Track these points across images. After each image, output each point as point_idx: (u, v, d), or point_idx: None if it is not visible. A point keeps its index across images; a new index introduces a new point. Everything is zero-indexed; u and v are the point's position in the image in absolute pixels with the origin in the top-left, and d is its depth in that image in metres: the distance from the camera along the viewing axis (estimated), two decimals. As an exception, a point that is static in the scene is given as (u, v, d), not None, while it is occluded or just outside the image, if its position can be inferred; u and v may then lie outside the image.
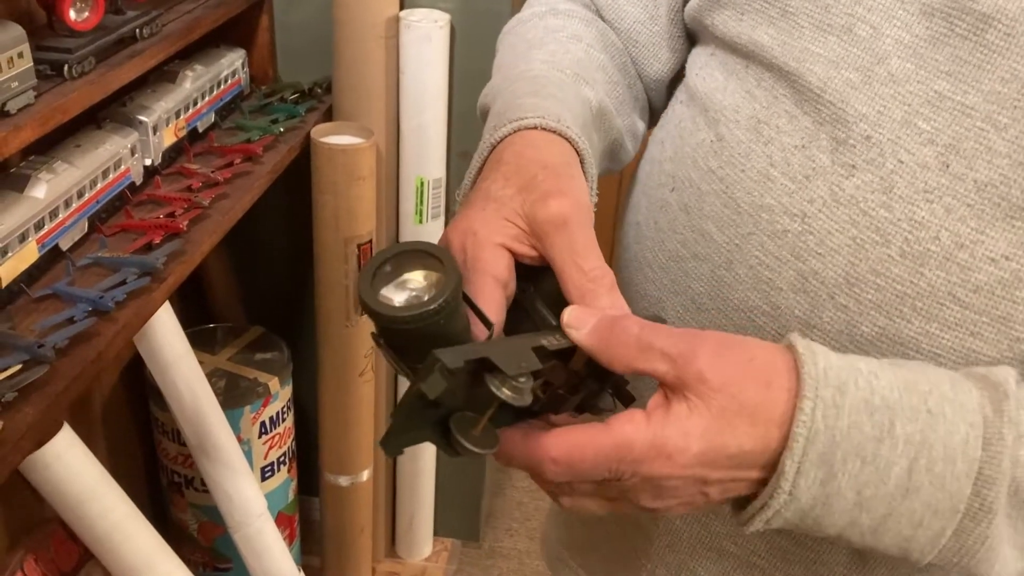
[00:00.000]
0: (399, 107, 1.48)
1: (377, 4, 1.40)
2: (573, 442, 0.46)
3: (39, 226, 0.97)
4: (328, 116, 1.48)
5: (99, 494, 1.23)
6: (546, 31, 0.72)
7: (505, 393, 0.44)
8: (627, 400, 0.53)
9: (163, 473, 1.56)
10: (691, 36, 0.72)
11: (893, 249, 0.54)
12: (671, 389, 0.47)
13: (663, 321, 0.51)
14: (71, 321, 0.91)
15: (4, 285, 0.92)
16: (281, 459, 1.59)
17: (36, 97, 0.94)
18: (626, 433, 0.46)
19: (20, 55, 0.92)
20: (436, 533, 1.97)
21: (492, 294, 0.51)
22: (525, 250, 0.53)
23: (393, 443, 0.48)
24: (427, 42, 1.42)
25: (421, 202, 1.53)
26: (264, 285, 1.72)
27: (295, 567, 1.53)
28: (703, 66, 0.66)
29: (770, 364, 0.48)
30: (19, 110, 0.91)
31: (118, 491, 1.26)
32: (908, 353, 0.55)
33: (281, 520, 1.62)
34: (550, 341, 0.48)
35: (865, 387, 0.47)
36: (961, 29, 0.52)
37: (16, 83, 0.91)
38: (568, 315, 0.49)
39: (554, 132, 0.58)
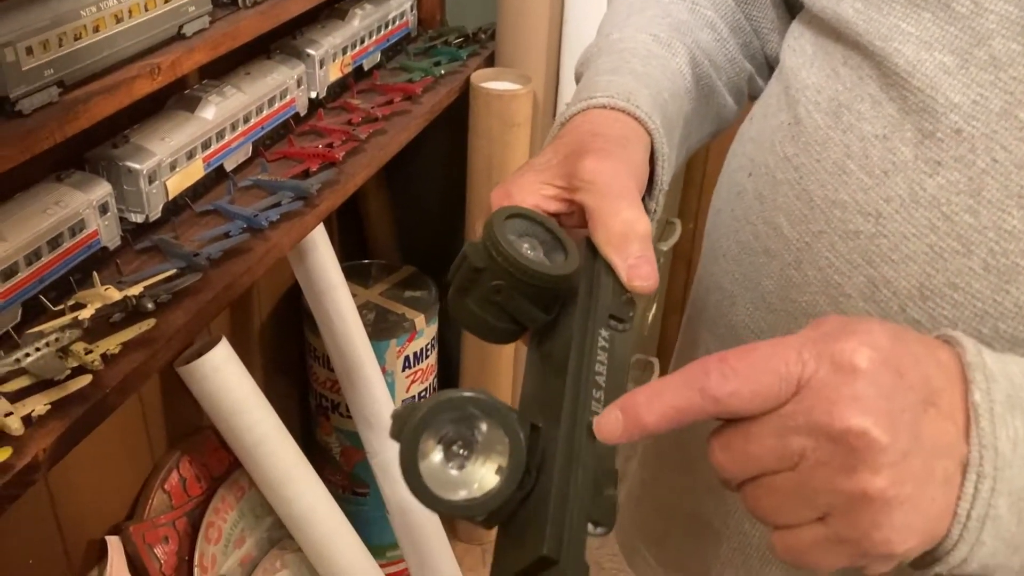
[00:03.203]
0: (560, 56, 1.48)
1: (546, -49, 1.40)
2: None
3: (206, 145, 1.03)
4: (490, 62, 1.49)
5: (249, 407, 1.31)
6: None
7: (601, 531, 0.42)
8: None
9: (313, 396, 1.64)
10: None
11: (975, 260, 0.48)
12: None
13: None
14: (227, 236, 0.97)
15: (171, 197, 0.99)
16: (423, 393, 1.64)
17: (211, 23, 0.99)
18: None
19: (198, -18, 0.98)
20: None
21: None
22: (560, 207, 0.52)
23: None
24: (593, -9, 1.41)
25: (576, 153, 1.53)
26: (420, 226, 1.77)
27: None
28: (797, 36, 0.60)
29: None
30: (194, 34, 0.97)
31: (267, 407, 1.34)
32: None
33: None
34: (595, 406, 0.44)
35: None
36: None
37: (193, 8, 0.97)
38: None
39: (622, 111, 0.56)
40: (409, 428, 0.41)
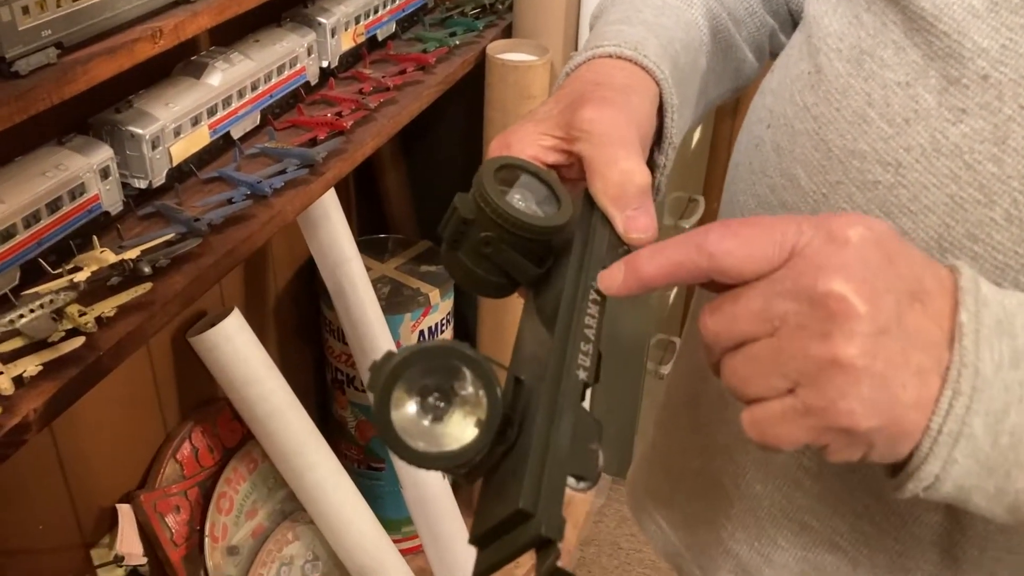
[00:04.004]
0: (578, 27, 1.45)
1: (564, -81, 1.37)
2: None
3: (212, 112, 1.02)
4: (507, 33, 1.47)
5: (261, 379, 1.31)
6: None
7: (583, 486, 0.42)
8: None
9: (329, 370, 1.64)
10: None
11: (997, 212, 0.47)
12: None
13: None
14: (230, 202, 0.96)
15: (175, 164, 0.98)
16: (437, 370, 1.63)
17: (216, -13, 0.98)
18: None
19: (203, -55, 0.96)
20: (587, 465, 1.97)
21: None
22: (558, 158, 0.52)
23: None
24: (612, -40, 1.38)
25: (594, 126, 1.51)
26: (438, 201, 1.76)
27: (441, 474, 1.57)
28: None
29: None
30: (199, -2, 0.96)
31: (280, 379, 1.34)
32: None
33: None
34: (582, 359, 0.44)
35: None
36: None
37: (198, -28, 0.96)
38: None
39: (629, 60, 0.55)
40: (382, 377, 0.40)
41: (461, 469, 0.42)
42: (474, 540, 0.41)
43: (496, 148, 0.53)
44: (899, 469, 0.42)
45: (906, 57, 0.50)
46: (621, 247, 0.49)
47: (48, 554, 1.16)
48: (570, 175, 0.53)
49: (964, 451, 0.40)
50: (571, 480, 0.40)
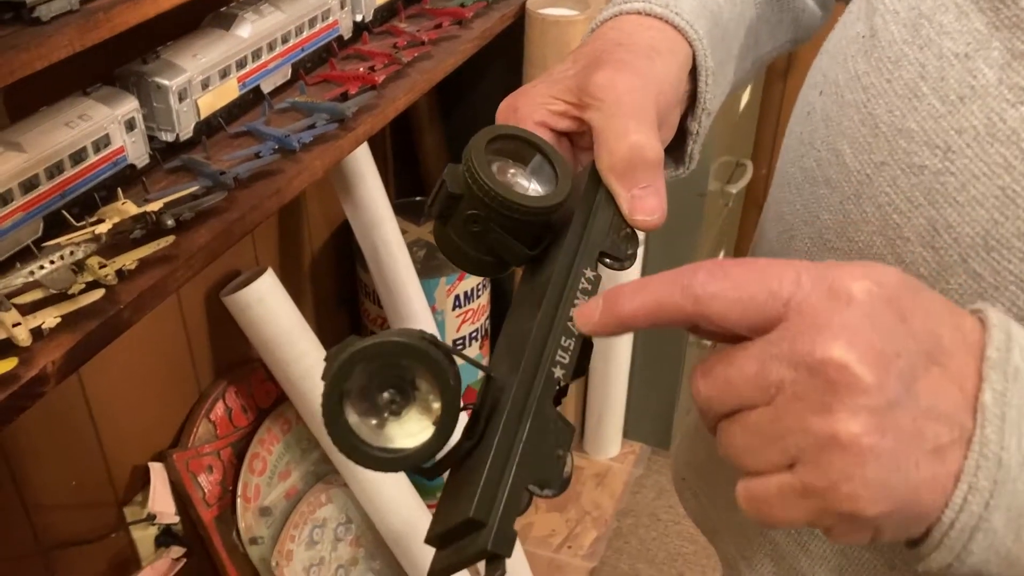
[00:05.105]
0: (622, -18, 1.41)
1: None
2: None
3: (241, 65, 1.00)
4: (549, -12, 1.43)
5: (294, 339, 1.30)
6: None
7: (548, 493, 0.39)
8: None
9: (364, 333, 1.62)
10: None
11: None
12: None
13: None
14: (257, 156, 0.94)
15: (203, 117, 0.96)
16: (474, 334, 1.61)
17: (245, -65, 0.96)
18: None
19: None
20: (626, 436, 1.94)
21: None
22: (569, 125, 0.48)
23: None
24: (657, -89, 1.33)
25: (636, 86, 1.46)
26: (476, 163, 1.73)
27: (476, 440, 1.55)
28: None
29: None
30: (226, -54, 0.94)
31: (313, 340, 1.32)
32: None
33: (469, 394, 1.65)
34: (561, 355, 0.40)
35: None
36: None
37: (226, -81, 0.93)
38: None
39: (660, 18, 0.51)
40: (331, 374, 0.37)
41: (413, 468, 0.39)
42: (430, 540, 0.39)
43: (504, 111, 0.49)
44: (916, 542, 0.38)
45: (968, 24, 0.45)
46: (624, 229, 0.46)
47: (81, 510, 1.17)
48: (583, 144, 0.49)
49: (981, 544, 0.36)
50: (534, 487, 0.38)
